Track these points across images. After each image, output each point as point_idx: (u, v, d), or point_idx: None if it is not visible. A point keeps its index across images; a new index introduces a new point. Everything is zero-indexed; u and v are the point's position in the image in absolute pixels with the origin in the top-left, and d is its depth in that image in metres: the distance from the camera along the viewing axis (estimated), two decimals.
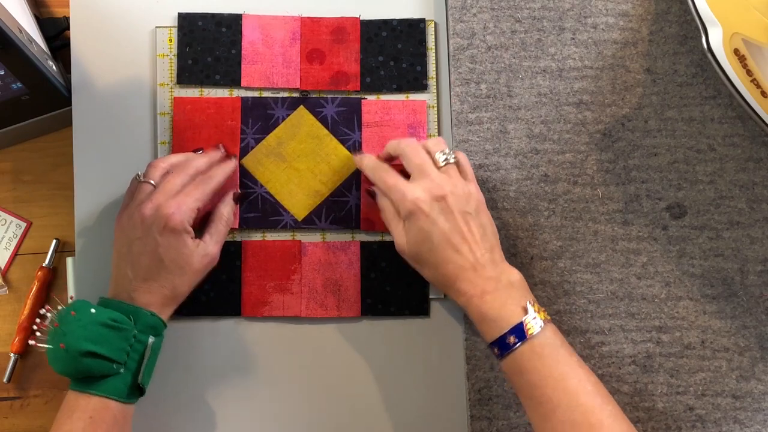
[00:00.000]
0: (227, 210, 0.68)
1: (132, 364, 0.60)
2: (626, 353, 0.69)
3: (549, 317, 0.60)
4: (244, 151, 0.71)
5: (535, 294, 0.69)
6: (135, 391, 0.61)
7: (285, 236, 0.71)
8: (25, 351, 0.72)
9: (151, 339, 0.61)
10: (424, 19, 0.73)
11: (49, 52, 0.71)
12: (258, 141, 0.71)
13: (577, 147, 0.71)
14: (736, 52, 0.66)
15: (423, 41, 0.73)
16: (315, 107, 0.72)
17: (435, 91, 0.73)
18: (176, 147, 0.71)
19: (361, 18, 0.73)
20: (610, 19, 0.72)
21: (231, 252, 0.70)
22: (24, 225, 0.74)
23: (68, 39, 0.72)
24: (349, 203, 0.71)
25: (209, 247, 0.65)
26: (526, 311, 0.59)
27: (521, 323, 0.58)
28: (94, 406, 0.59)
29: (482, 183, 0.70)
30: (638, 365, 0.69)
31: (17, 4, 0.69)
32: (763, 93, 0.67)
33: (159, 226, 0.62)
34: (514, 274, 0.62)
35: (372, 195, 0.68)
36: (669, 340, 0.70)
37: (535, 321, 0.59)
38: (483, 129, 0.71)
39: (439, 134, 0.73)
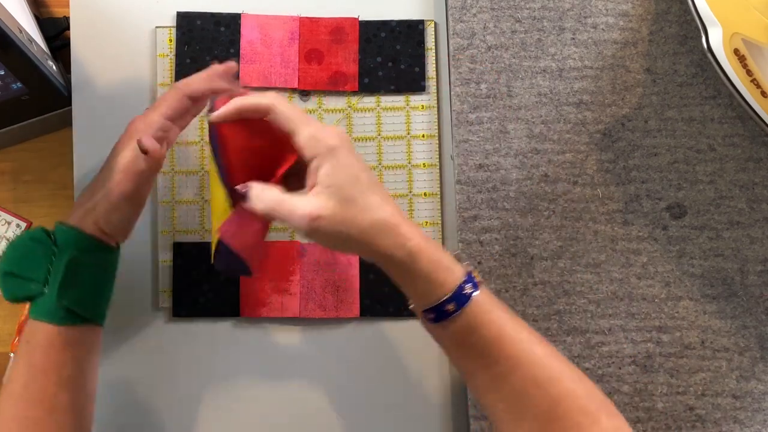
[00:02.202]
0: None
1: (57, 284, 0.57)
2: (626, 353, 0.69)
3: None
4: None
5: (535, 294, 0.70)
6: (66, 312, 0.57)
7: (283, 236, 0.71)
8: None
9: (75, 254, 0.57)
10: (423, 20, 0.73)
11: (49, 52, 0.71)
12: None
13: (577, 147, 0.71)
14: (736, 52, 0.66)
15: (422, 42, 0.73)
16: None
17: (435, 91, 0.73)
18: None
19: (359, 18, 0.73)
20: (610, 19, 0.72)
21: None
22: (24, 225, 0.74)
23: (68, 39, 0.73)
24: None
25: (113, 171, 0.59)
26: (459, 259, 0.53)
27: (470, 272, 0.53)
28: (30, 329, 0.57)
29: (482, 183, 0.70)
30: (638, 365, 0.69)
31: (17, 4, 0.69)
32: (763, 93, 0.67)
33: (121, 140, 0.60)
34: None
35: (243, 195, 0.53)
36: (669, 340, 0.70)
37: (475, 274, 0.53)
38: (483, 129, 0.71)
39: (439, 134, 0.73)
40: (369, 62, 0.72)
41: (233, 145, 0.54)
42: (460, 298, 0.52)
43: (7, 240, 0.74)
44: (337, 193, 0.51)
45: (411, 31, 0.73)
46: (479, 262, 0.69)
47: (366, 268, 0.71)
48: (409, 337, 0.71)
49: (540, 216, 0.70)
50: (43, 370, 0.56)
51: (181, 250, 0.71)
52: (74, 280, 0.57)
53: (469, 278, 0.52)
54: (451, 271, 0.52)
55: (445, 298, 0.52)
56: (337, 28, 0.72)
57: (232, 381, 0.70)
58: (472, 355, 0.53)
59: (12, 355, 0.71)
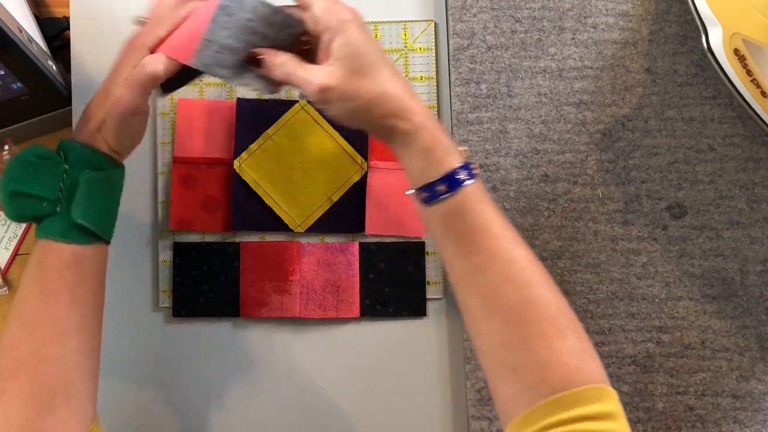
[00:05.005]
0: (146, 60, 0.57)
1: (66, 202, 0.56)
2: (626, 353, 0.69)
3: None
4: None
5: None
6: (76, 230, 0.56)
7: (284, 237, 0.71)
8: None
9: (86, 173, 0.56)
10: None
11: (49, 52, 0.71)
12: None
13: (577, 147, 0.71)
14: (736, 52, 0.66)
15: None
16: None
17: (435, 91, 0.73)
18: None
19: None
20: (610, 19, 0.72)
21: (229, 253, 0.70)
22: (24, 225, 0.74)
23: (68, 39, 0.73)
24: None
25: (116, 85, 0.57)
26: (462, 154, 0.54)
27: (468, 162, 0.53)
28: (42, 249, 0.56)
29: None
30: (638, 365, 0.69)
31: (17, 4, 0.69)
32: (763, 93, 0.67)
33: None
34: None
35: (256, 61, 0.56)
36: (669, 340, 0.70)
37: (474, 166, 0.54)
38: (483, 129, 0.71)
39: None
40: None
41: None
42: (453, 182, 0.52)
43: (8, 239, 0.74)
44: (348, 65, 0.52)
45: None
46: None
47: (366, 268, 0.71)
48: (409, 337, 0.71)
49: (540, 216, 0.70)
50: (55, 291, 0.55)
51: (181, 250, 0.71)
52: (88, 197, 0.56)
53: (466, 166, 0.53)
54: (449, 154, 0.53)
55: (438, 177, 0.52)
56: None
57: (232, 381, 0.70)
58: (456, 241, 0.53)
59: None
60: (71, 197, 0.56)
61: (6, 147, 0.68)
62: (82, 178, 0.56)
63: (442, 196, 0.53)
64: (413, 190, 0.55)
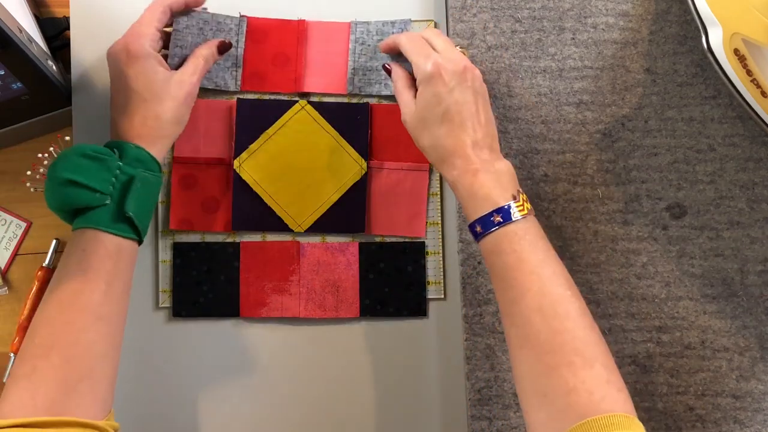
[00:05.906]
0: (206, 50, 0.67)
1: (118, 195, 0.60)
2: (626, 353, 0.69)
3: (533, 211, 0.61)
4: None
5: None
6: (124, 223, 0.60)
7: (284, 237, 0.71)
8: None
9: (140, 171, 0.61)
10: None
11: (49, 52, 0.71)
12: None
13: (577, 147, 0.71)
14: (736, 52, 0.66)
15: None
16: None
17: None
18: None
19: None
20: (610, 19, 0.72)
21: (229, 253, 0.70)
22: (24, 225, 0.74)
23: (68, 39, 0.73)
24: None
25: (185, 75, 0.64)
26: (514, 198, 0.60)
27: (508, 205, 0.59)
28: (86, 238, 0.59)
29: None
30: (638, 365, 0.69)
31: (17, 4, 0.69)
32: (763, 93, 0.67)
33: (123, 59, 0.63)
34: (507, 164, 0.62)
35: (388, 71, 0.68)
36: (669, 340, 0.70)
37: (520, 208, 0.59)
38: None
39: None
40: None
41: None
42: (488, 224, 0.59)
43: (8, 239, 0.74)
44: (418, 112, 0.63)
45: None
46: (479, 262, 0.69)
47: (366, 268, 0.71)
48: (409, 337, 0.71)
49: (540, 216, 0.70)
50: (95, 278, 0.58)
51: (181, 250, 0.71)
52: (141, 193, 0.61)
53: (502, 209, 0.59)
54: (486, 202, 0.59)
55: (474, 220, 0.60)
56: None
57: (232, 381, 0.70)
58: (496, 275, 0.59)
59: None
60: (124, 191, 0.60)
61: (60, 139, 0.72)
62: (138, 175, 0.61)
63: (481, 235, 0.60)
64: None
